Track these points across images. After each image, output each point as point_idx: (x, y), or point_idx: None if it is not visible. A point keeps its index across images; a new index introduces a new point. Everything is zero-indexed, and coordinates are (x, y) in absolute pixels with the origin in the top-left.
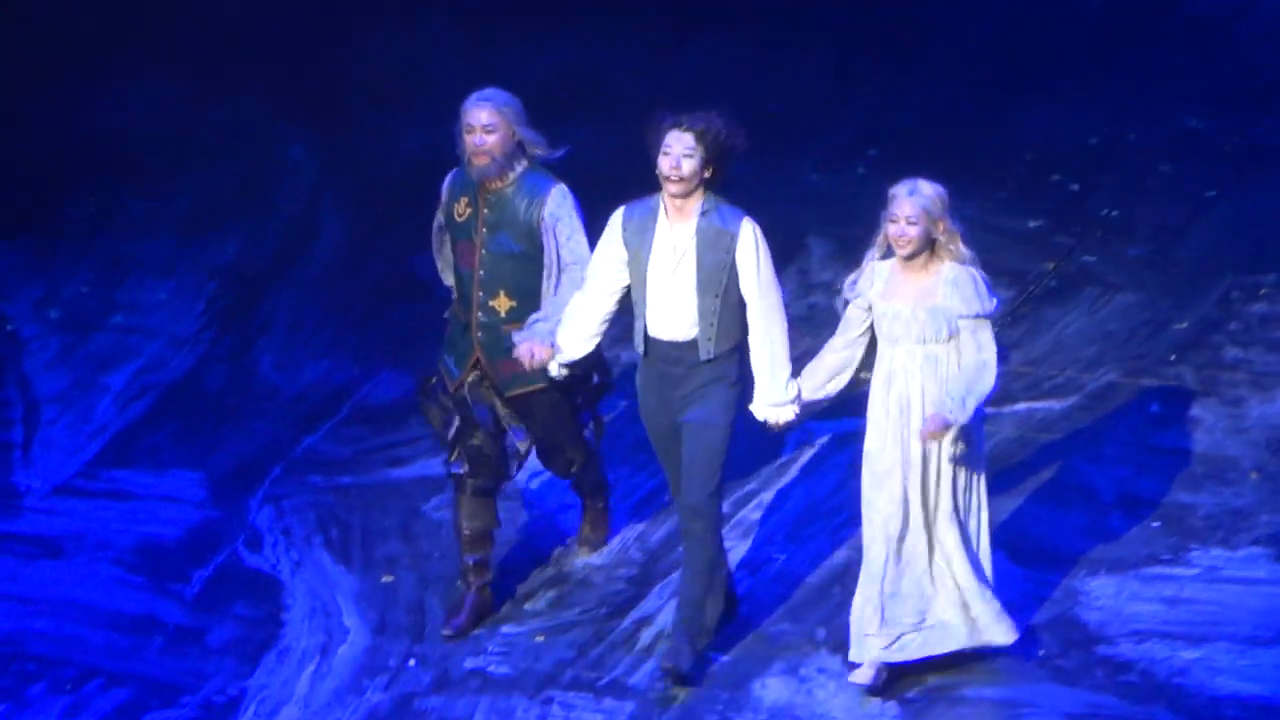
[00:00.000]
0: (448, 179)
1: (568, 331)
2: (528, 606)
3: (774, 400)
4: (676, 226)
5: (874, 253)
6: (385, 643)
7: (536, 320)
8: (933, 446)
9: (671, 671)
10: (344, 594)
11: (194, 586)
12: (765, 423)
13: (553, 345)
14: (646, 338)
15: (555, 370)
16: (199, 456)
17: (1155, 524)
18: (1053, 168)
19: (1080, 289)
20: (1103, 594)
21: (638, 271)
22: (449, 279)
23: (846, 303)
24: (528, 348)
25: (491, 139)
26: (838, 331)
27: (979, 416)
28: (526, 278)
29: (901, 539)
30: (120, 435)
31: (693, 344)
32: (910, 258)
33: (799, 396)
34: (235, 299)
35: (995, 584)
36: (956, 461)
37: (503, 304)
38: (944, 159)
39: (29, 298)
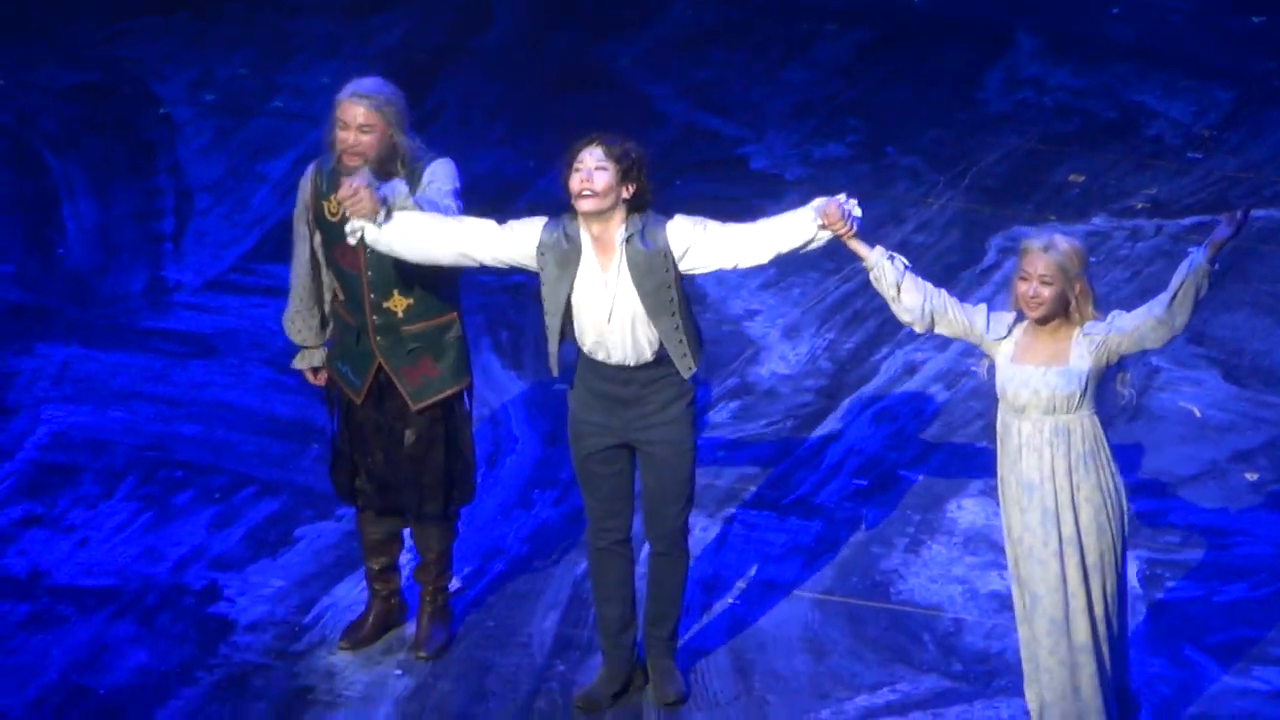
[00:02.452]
0: (308, 173)
1: (409, 226)
2: (709, 416)
3: (807, 220)
4: (601, 260)
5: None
6: (556, 454)
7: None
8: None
9: (678, 701)
10: (513, 401)
11: None
12: (825, 229)
13: (383, 200)
14: (585, 358)
15: (371, 221)
16: None
17: None
18: None
19: None
20: None
21: (555, 300)
22: (305, 305)
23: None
24: (352, 186)
25: (366, 139)
26: (953, 299)
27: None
28: (418, 271)
29: (1065, 622)
30: (278, 227)
31: (648, 365)
32: (1043, 321)
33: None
34: (402, 84)
35: None
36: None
37: (399, 304)
38: None
39: (183, 80)
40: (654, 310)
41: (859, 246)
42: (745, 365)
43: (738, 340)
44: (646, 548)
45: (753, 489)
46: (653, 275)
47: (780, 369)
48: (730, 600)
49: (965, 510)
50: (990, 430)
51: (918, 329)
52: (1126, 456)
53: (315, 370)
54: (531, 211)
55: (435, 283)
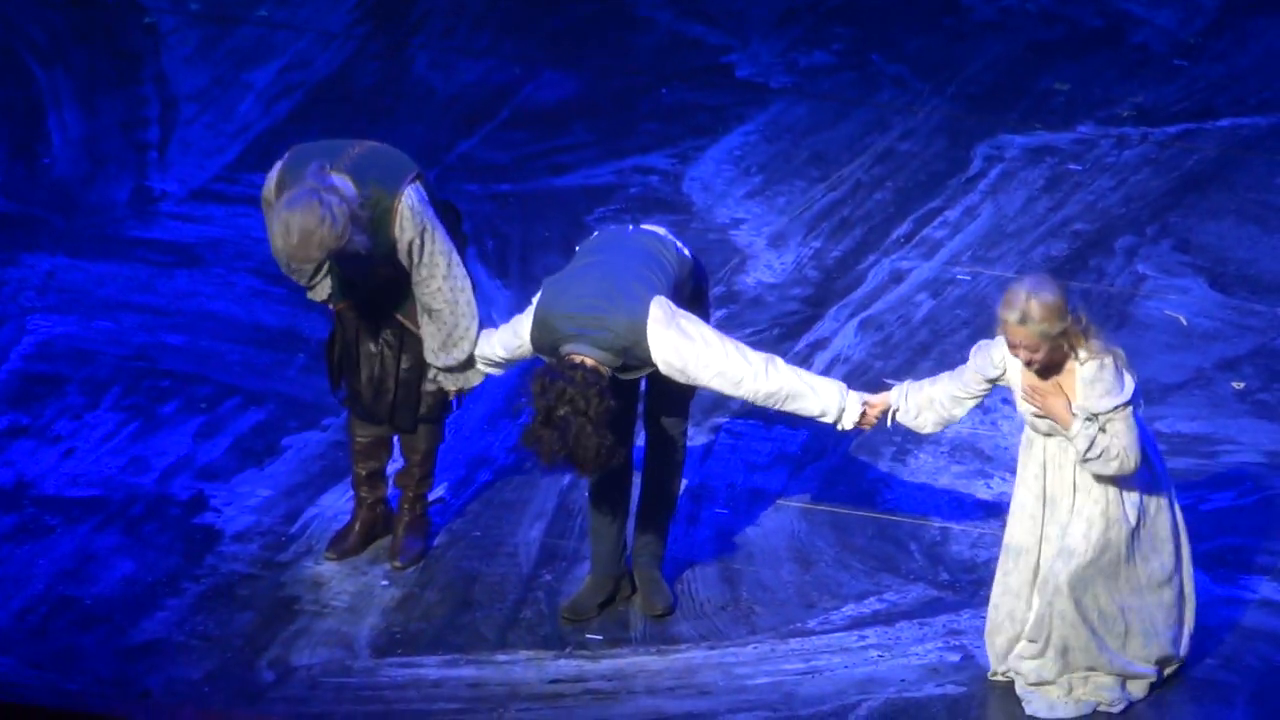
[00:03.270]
0: (272, 177)
1: (492, 369)
2: None
3: (838, 410)
4: None
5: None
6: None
7: (436, 369)
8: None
9: (666, 612)
10: (499, 310)
11: None
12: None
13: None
14: None
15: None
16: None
17: None
18: None
19: None
20: None
21: None
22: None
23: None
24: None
25: (318, 256)
26: (954, 374)
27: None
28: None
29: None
30: (263, 136)
31: None
32: (1044, 373)
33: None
34: None
35: None
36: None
37: (381, 274)
38: None
39: None
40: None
41: (879, 405)
42: (731, 274)
43: (723, 249)
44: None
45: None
46: (634, 373)
47: (766, 277)
48: (717, 510)
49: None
50: (976, 337)
51: (955, 420)
52: None
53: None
54: (516, 119)
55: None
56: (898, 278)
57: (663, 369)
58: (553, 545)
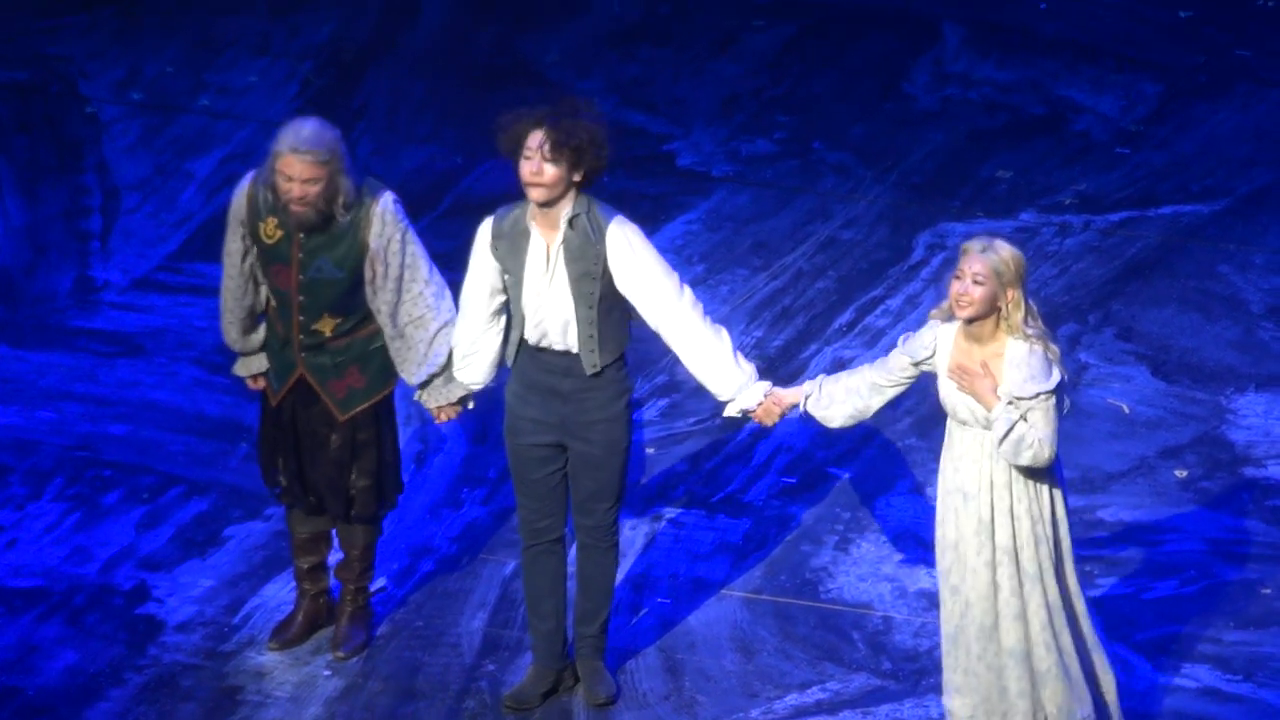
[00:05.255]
0: (244, 186)
1: (470, 366)
2: (638, 414)
3: (738, 389)
4: (546, 235)
5: (937, 314)
6: (484, 452)
7: (430, 376)
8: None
9: (608, 702)
10: None
11: None
12: (746, 417)
13: (460, 399)
14: (525, 347)
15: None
16: None
17: None
18: None
19: (1232, 84)
20: (1251, 411)
21: (514, 283)
22: (238, 317)
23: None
24: (439, 414)
25: (313, 190)
26: (874, 365)
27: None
28: (350, 297)
29: (994, 629)
30: (206, 225)
31: (579, 357)
32: (970, 321)
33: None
34: (331, 81)
35: None
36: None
37: (327, 325)
38: None
39: (110, 78)
40: (577, 296)
41: (787, 401)
42: (674, 363)
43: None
44: (575, 545)
45: (681, 487)
46: (582, 261)
47: None
48: (659, 599)
49: (894, 508)
50: (917, 427)
51: (871, 415)
52: None
53: (256, 377)
54: (457, 207)
55: (363, 303)
56: (840, 366)
57: (613, 248)
58: (495, 635)
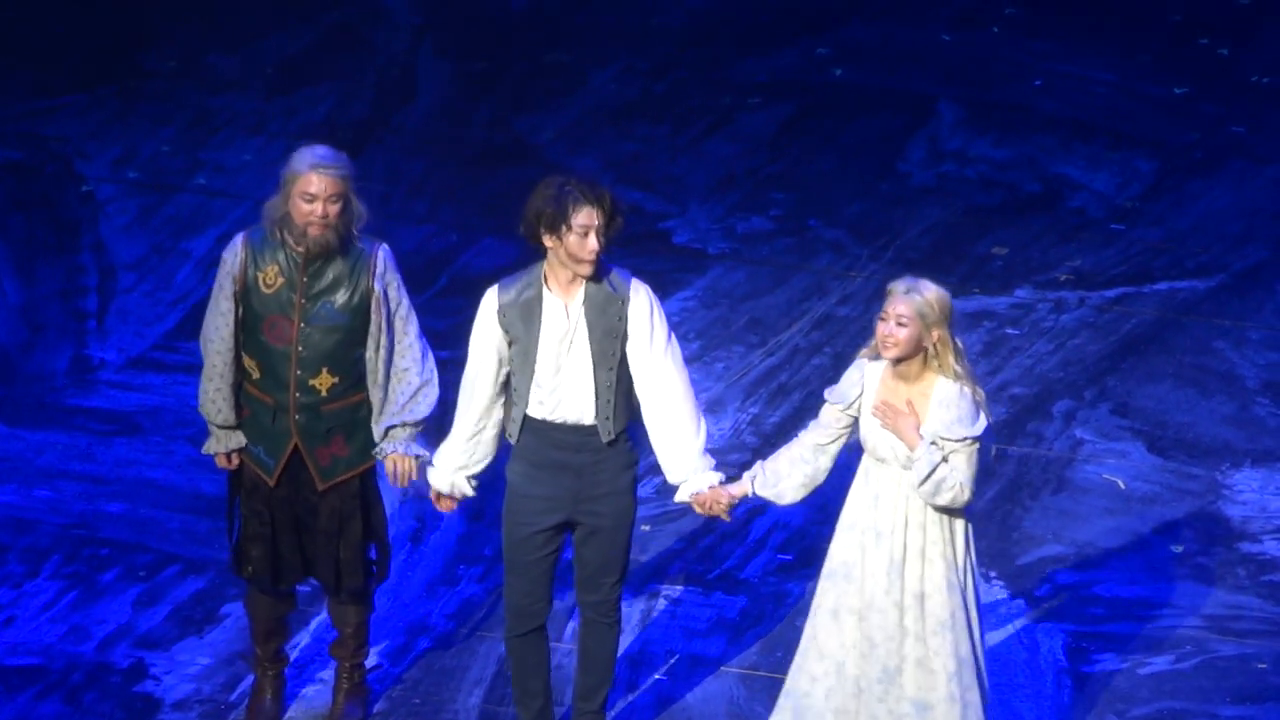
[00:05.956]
0: (236, 244)
1: (476, 447)
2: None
3: (695, 476)
4: (564, 295)
5: (865, 353)
6: (480, 530)
7: (391, 426)
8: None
9: None
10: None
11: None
12: (693, 507)
13: (418, 456)
14: (530, 424)
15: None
16: None
17: None
18: (1201, 29)
19: (1227, 161)
20: (1246, 487)
21: (521, 354)
22: (227, 382)
23: (825, 402)
24: (393, 464)
25: (335, 210)
26: (809, 429)
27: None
28: (348, 349)
29: (898, 672)
30: (201, 304)
31: (594, 428)
32: (896, 362)
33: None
34: None
35: None
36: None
37: (324, 382)
38: (1084, 16)
39: (106, 157)
40: (599, 357)
41: (734, 493)
42: None
43: None
44: (574, 620)
45: (677, 564)
46: (605, 317)
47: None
48: (656, 676)
49: None
50: None
51: (822, 478)
52: (1050, 528)
53: (231, 454)
54: (455, 285)
55: (359, 362)
56: None
57: (635, 304)
58: (492, 712)
